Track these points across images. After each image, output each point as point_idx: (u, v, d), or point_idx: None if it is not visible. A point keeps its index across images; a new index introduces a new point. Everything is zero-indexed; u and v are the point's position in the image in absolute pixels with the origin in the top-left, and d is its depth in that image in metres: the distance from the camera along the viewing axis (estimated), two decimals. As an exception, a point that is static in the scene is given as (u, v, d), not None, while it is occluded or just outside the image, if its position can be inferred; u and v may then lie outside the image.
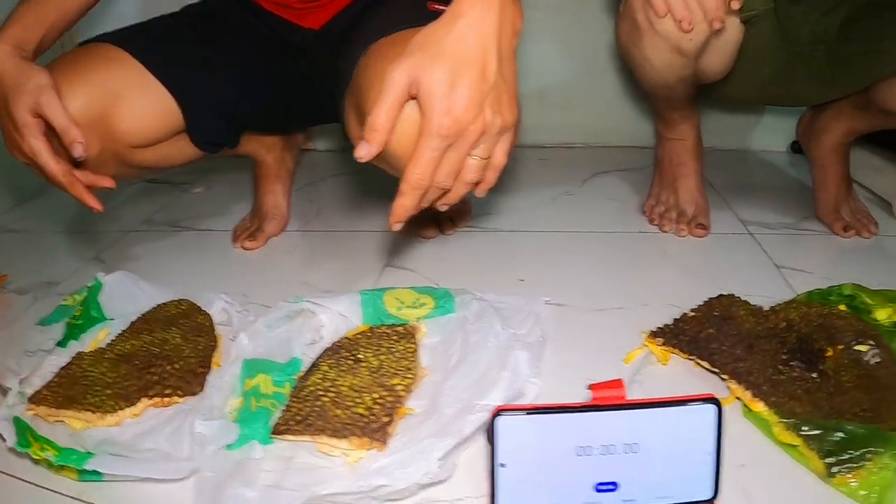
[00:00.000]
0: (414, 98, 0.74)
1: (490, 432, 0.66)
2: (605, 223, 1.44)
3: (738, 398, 0.93)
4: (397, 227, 0.79)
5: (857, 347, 0.97)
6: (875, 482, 0.78)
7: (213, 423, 0.78)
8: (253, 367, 0.88)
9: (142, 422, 0.83)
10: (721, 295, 1.13)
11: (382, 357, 0.91)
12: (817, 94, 1.41)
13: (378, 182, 1.22)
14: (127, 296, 1.05)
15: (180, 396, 0.86)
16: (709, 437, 0.69)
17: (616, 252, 1.34)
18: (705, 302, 1.12)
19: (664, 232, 1.43)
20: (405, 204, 0.77)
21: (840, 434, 0.83)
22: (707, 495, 0.70)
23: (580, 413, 0.64)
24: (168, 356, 0.91)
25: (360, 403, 0.81)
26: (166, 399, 0.86)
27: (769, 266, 1.30)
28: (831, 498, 0.76)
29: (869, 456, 0.80)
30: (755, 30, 1.20)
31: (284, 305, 0.99)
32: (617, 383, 0.65)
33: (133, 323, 0.99)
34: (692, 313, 1.09)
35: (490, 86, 0.73)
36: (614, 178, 1.69)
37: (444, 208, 0.83)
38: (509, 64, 0.76)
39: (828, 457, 0.81)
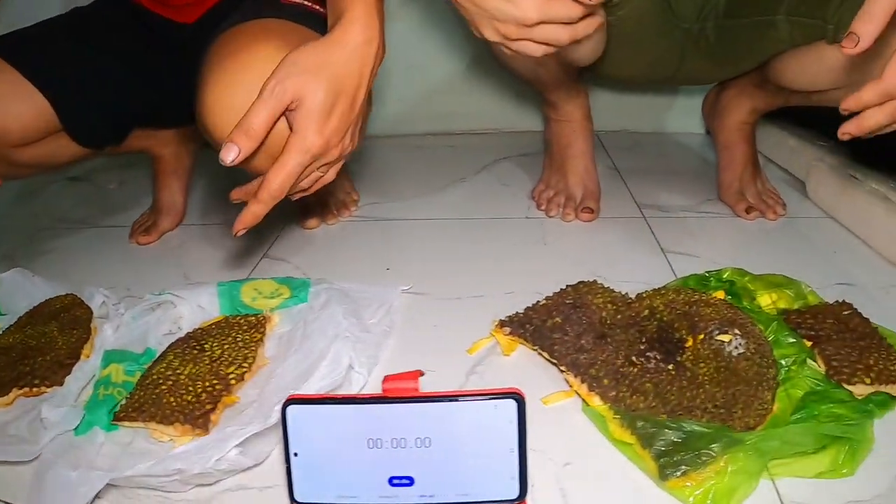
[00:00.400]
0: (291, 111, 0.78)
1: (282, 422, 0.65)
2: (492, 209, 1.38)
3: (576, 392, 0.85)
4: (241, 231, 0.81)
5: (718, 337, 0.87)
6: (712, 487, 0.70)
7: (60, 410, 0.80)
8: (109, 357, 0.90)
9: (12, 410, 0.87)
10: (581, 282, 1.03)
11: (226, 346, 0.90)
12: (713, 73, 1.33)
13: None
14: (21, 292, 1.08)
15: (48, 387, 0.88)
16: (511, 433, 0.65)
17: (494, 239, 1.27)
18: (561, 289, 1.01)
19: (550, 217, 1.35)
20: (257, 212, 0.79)
21: (677, 433, 0.74)
22: (513, 495, 0.66)
23: (370, 405, 0.63)
24: (42, 348, 0.93)
25: (191, 391, 0.82)
26: (35, 389, 0.88)
27: (655, 251, 1.21)
28: (661, 502, 0.71)
29: (705, 458, 0.71)
30: (635, 8, 1.11)
31: (150, 298, 1.01)
32: (412, 375, 0.64)
33: (20, 318, 1.02)
34: (544, 301, 0.99)
35: (356, 115, 0.81)
36: (514, 164, 1.62)
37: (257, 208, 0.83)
38: (368, 97, 0.83)
39: (661, 457, 0.72)
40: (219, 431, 0.76)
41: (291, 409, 0.65)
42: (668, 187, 1.46)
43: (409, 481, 0.65)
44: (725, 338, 0.87)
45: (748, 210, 1.32)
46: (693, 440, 0.74)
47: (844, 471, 0.74)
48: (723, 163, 1.39)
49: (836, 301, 1.00)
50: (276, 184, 0.77)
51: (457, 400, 0.64)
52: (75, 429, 0.80)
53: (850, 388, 0.84)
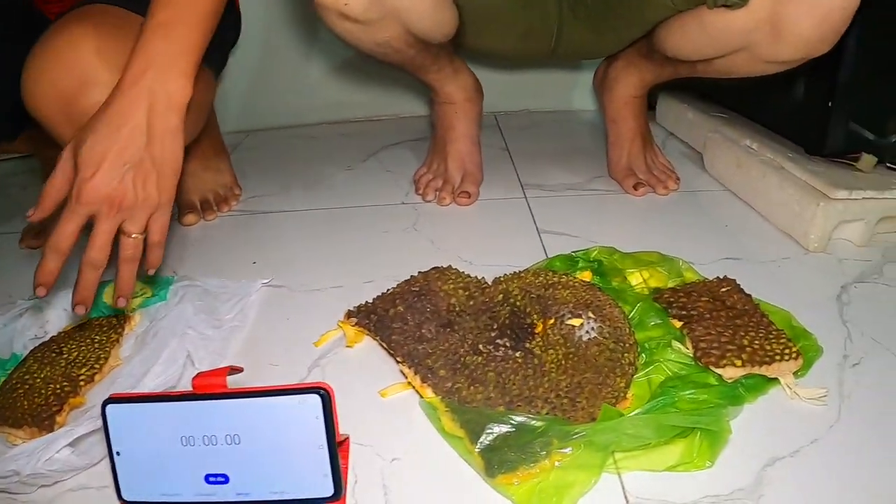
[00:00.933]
0: None
1: (103, 420, 0.64)
2: (370, 197, 1.31)
3: (409, 384, 0.78)
4: (41, 291, 0.76)
5: (569, 321, 0.79)
6: (538, 485, 0.64)
7: None
8: None
9: None
10: (435, 268, 0.94)
11: (83, 348, 0.88)
12: (596, 45, 1.25)
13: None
14: None
15: None
16: (318, 429, 0.62)
17: (366, 227, 1.20)
18: (412, 276, 0.93)
19: (427, 202, 1.27)
20: (46, 266, 0.75)
21: (505, 427, 0.67)
22: (327, 493, 0.63)
23: (181, 402, 0.61)
24: None
25: (42, 394, 0.80)
26: None
27: (531, 232, 1.13)
28: (488, 501, 0.65)
29: (534, 454, 0.65)
30: None
31: (22, 303, 1.00)
32: (221, 371, 0.62)
33: None
34: (392, 289, 0.91)
35: (132, 162, 0.75)
36: (404, 149, 1.56)
37: (120, 301, 0.80)
38: (162, 142, 0.76)
39: (487, 452, 0.65)
40: (56, 433, 0.74)
41: (111, 408, 0.63)
42: (559, 166, 1.40)
43: (225, 479, 0.63)
44: (576, 322, 0.79)
45: (636, 186, 1.25)
46: (523, 434, 0.66)
47: (701, 462, 0.67)
48: (611, 138, 1.32)
49: (717, 277, 0.92)
50: (52, 236, 0.75)
51: (260, 396, 0.62)
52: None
53: (719, 371, 0.76)
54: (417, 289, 0.88)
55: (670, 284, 0.92)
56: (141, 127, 0.74)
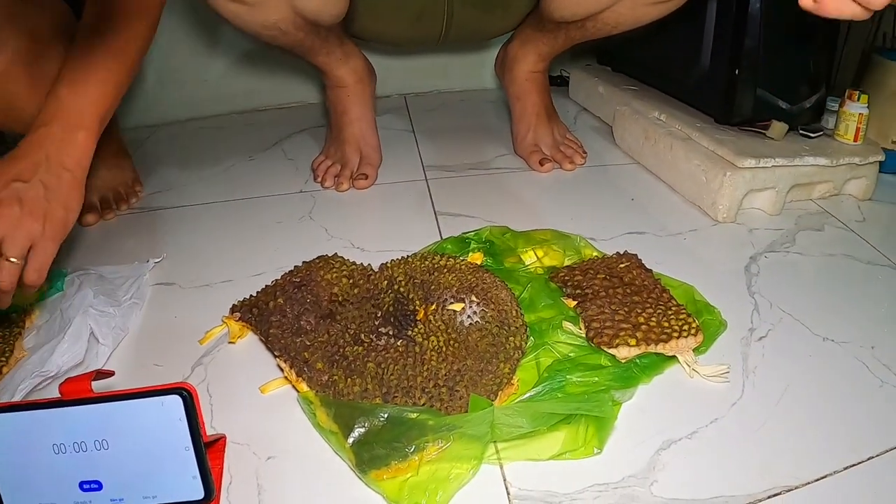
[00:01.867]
0: None
1: None
2: (268, 187, 1.25)
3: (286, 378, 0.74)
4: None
5: (451, 307, 0.74)
6: (408, 480, 0.60)
7: None
8: None
9: None
10: (320, 256, 0.89)
11: None
12: (488, 23, 1.23)
13: None
14: None
15: None
16: (182, 430, 0.60)
17: (260, 218, 1.14)
18: (295, 267, 0.88)
19: (325, 188, 1.21)
20: None
21: (376, 420, 0.64)
22: (198, 495, 0.61)
23: (49, 409, 0.59)
24: None
25: None
26: None
27: (428, 215, 1.08)
28: (364, 498, 0.62)
29: (404, 447, 0.62)
30: None
31: None
32: (86, 376, 0.60)
33: None
34: (274, 282, 0.86)
35: (24, 187, 0.72)
36: (308, 136, 1.49)
37: None
38: (60, 192, 0.75)
39: (358, 447, 0.62)
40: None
41: None
42: (464, 146, 1.36)
43: (98, 485, 0.61)
44: (457, 307, 0.74)
45: (542, 162, 1.21)
46: (394, 427, 0.63)
47: (589, 449, 0.63)
48: (515, 114, 1.28)
49: (617, 253, 0.88)
50: None
51: (123, 399, 0.60)
52: None
53: (612, 351, 0.72)
54: (298, 280, 0.83)
55: (567, 262, 0.88)
56: (41, 164, 0.74)
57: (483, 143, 1.36)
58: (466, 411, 0.65)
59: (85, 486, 0.61)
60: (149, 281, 0.95)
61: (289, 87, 1.70)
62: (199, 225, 1.14)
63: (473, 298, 0.74)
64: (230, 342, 0.83)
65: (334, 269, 0.84)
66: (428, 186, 1.18)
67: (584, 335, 0.75)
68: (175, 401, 0.59)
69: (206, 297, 0.93)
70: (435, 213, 1.08)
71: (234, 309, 0.85)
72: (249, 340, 0.83)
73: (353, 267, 0.86)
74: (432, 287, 0.77)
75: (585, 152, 1.24)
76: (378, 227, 1.06)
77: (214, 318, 0.87)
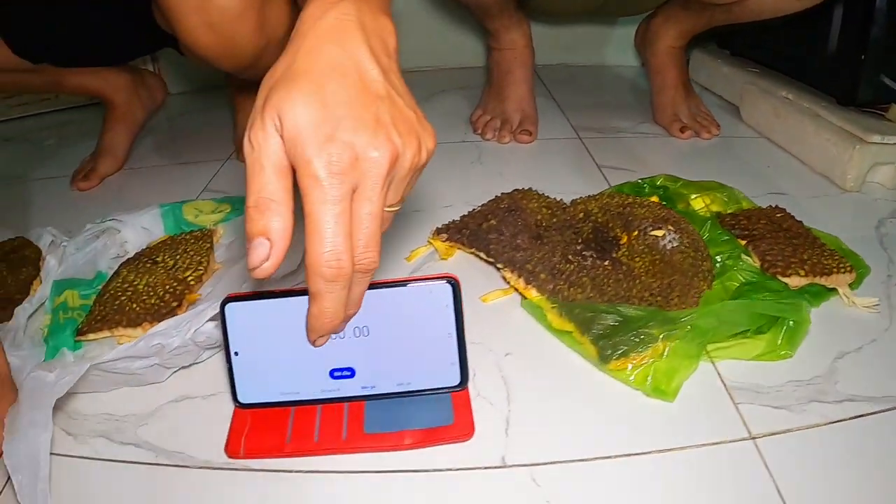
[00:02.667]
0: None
1: (221, 320, 0.63)
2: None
3: (514, 288, 0.85)
4: (322, 341, 0.58)
5: (652, 233, 0.87)
6: (651, 367, 0.70)
7: (21, 353, 0.76)
8: (60, 286, 0.89)
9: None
10: (516, 190, 1.02)
11: (178, 257, 0.90)
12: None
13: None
14: None
15: None
16: (448, 317, 0.63)
17: (437, 161, 1.22)
18: (496, 196, 1.01)
19: (486, 140, 1.34)
20: (325, 308, 0.50)
21: (614, 317, 0.73)
22: (454, 381, 0.66)
23: (306, 296, 0.52)
24: None
25: (153, 295, 0.82)
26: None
27: (591, 167, 1.21)
28: (600, 385, 0.72)
29: (644, 339, 0.71)
30: None
31: (91, 227, 0.99)
32: None
33: None
34: (479, 208, 0.99)
35: (381, 96, 0.49)
36: (454, 96, 1.61)
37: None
38: (399, 78, 0.52)
39: (600, 340, 0.72)
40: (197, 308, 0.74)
41: (230, 306, 0.63)
42: (604, 113, 1.47)
43: (350, 373, 0.64)
44: (659, 233, 0.87)
45: (682, 129, 1.33)
46: (631, 323, 0.73)
47: (783, 353, 0.75)
48: (655, 86, 1.41)
49: (769, 206, 1.00)
50: (322, 254, 0.47)
51: (392, 286, 0.62)
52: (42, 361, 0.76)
53: (785, 280, 0.84)
54: (505, 206, 0.96)
55: (729, 210, 1.00)
56: (370, 59, 0.50)
57: (621, 112, 1.48)
58: (684, 313, 0.77)
59: (336, 374, 0.64)
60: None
61: (428, 50, 1.83)
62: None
63: (670, 227, 0.87)
64: (441, 258, 0.94)
65: (534, 200, 0.97)
66: (584, 144, 1.31)
67: (758, 266, 0.87)
68: (444, 288, 0.62)
69: (400, 222, 1.02)
70: (598, 166, 1.21)
71: (438, 231, 0.96)
72: (458, 258, 0.94)
73: (550, 200, 0.99)
74: (630, 218, 0.90)
75: (718, 125, 1.35)
76: (547, 175, 1.18)
77: (412, 239, 0.97)
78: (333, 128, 0.46)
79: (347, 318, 0.55)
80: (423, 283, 0.62)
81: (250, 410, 0.66)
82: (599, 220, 0.91)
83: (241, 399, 0.65)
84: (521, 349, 0.77)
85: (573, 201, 0.98)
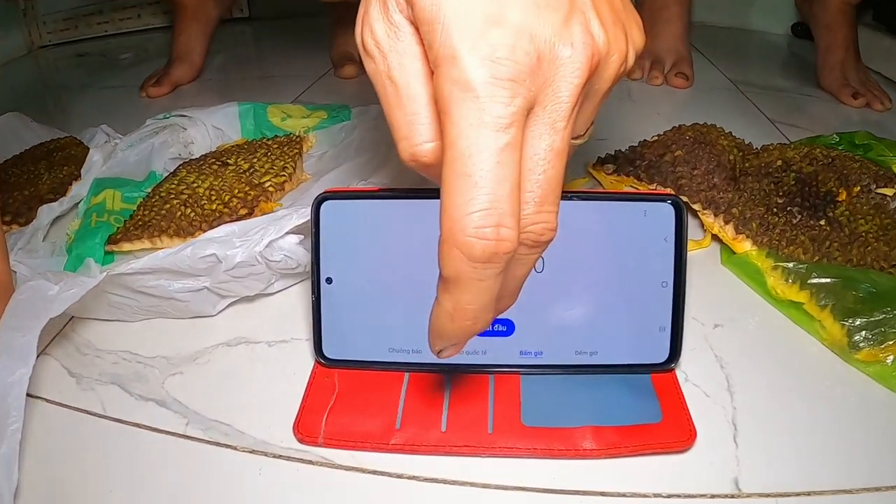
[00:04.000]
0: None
1: (313, 227, 0.45)
2: None
3: (715, 236, 0.68)
4: (451, 352, 0.34)
5: (879, 191, 0.71)
6: None
7: (33, 261, 0.62)
8: (101, 184, 0.75)
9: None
10: (696, 123, 0.86)
11: (256, 161, 0.76)
12: None
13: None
14: (14, 137, 0.91)
15: (21, 225, 0.71)
16: (665, 258, 0.44)
17: None
18: (676, 127, 0.85)
19: (633, 80, 1.19)
20: (464, 304, 0.30)
21: (867, 286, 0.55)
22: (659, 356, 0.46)
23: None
24: (21, 185, 0.77)
25: (215, 201, 0.68)
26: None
27: (762, 119, 1.04)
28: (844, 380, 0.51)
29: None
30: None
31: (151, 122, 0.86)
32: None
33: (6, 160, 0.86)
34: (656, 137, 0.83)
35: None
36: None
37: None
38: None
39: (848, 317, 0.53)
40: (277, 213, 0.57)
41: (328, 204, 0.44)
42: (762, 72, 1.29)
43: (507, 328, 0.45)
44: (888, 191, 0.71)
45: (855, 96, 1.14)
46: (889, 296, 0.54)
47: None
48: (823, 45, 1.21)
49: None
50: (476, 204, 0.27)
51: (586, 198, 0.44)
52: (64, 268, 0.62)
53: None
54: (691, 137, 0.80)
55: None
56: None
57: (779, 72, 1.31)
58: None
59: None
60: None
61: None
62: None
63: (897, 186, 0.70)
64: (608, 191, 0.80)
65: (723, 137, 0.81)
66: (748, 98, 1.14)
67: None
68: (664, 212, 0.44)
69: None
70: (770, 121, 1.04)
71: (602, 161, 0.80)
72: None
73: (738, 140, 0.83)
74: (844, 171, 0.74)
75: (891, 99, 1.16)
76: (713, 121, 0.97)
77: (569, 170, 0.82)
78: (500, 5, 0.28)
79: (497, 314, 0.32)
80: (634, 202, 0.44)
81: (340, 371, 0.47)
82: (805, 170, 0.75)
83: (328, 353, 0.47)
84: (734, 321, 0.57)
85: (764, 146, 0.82)
